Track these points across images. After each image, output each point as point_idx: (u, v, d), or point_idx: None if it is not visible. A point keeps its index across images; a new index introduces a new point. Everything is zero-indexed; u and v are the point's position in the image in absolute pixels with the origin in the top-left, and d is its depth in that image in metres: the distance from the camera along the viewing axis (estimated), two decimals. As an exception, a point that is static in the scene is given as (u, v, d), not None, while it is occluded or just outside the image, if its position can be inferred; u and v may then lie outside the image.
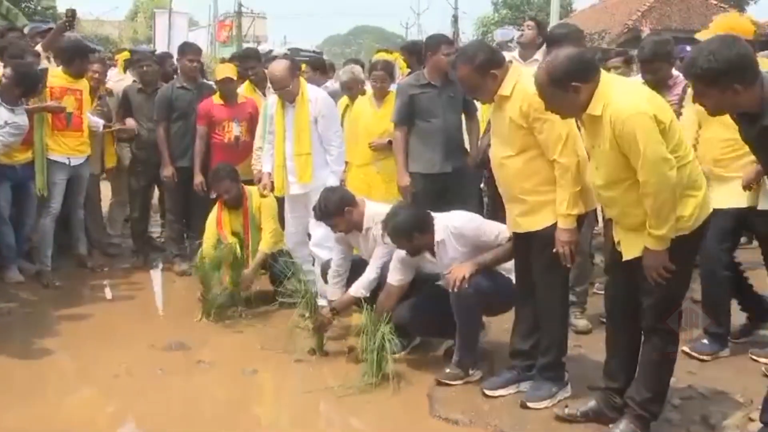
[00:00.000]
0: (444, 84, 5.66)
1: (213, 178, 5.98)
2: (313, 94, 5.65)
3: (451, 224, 4.39)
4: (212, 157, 6.57)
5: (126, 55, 8.29)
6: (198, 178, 6.55)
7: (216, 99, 6.64)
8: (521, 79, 3.80)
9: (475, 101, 5.77)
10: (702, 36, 4.74)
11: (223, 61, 7.76)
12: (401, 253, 4.49)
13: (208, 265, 5.59)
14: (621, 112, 3.24)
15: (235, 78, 6.64)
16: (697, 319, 4.71)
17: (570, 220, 3.74)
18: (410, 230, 4.34)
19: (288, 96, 5.55)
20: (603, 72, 3.43)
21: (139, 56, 7.51)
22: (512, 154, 3.84)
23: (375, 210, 4.82)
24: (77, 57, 6.43)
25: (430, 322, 4.54)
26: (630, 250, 3.46)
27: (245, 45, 29.78)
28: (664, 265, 3.32)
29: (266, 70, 7.04)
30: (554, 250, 3.77)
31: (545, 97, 3.45)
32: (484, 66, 3.80)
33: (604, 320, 4.05)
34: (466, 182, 5.82)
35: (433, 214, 4.47)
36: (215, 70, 6.95)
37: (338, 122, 5.86)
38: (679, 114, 4.61)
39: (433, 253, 4.41)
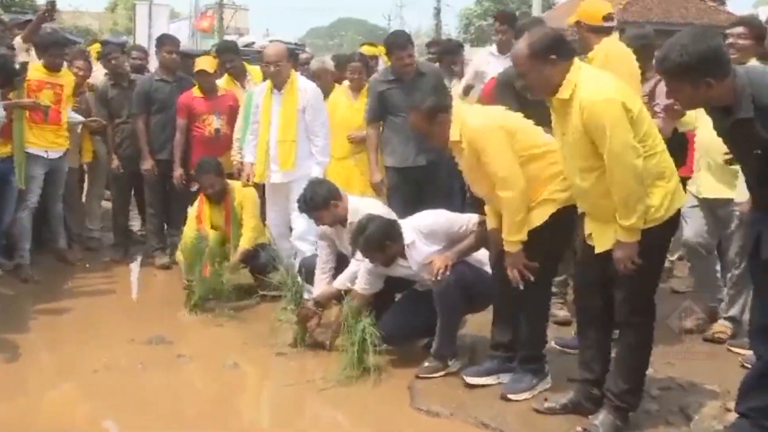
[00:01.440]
0: (414, 78, 5.65)
1: (198, 171, 5.96)
2: (303, 84, 5.67)
3: (419, 225, 4.40)
4: (192, 150, 6.55)
5: (98, 46, 8.22)
6: (178, 171, 6.52)
7: (196, 92, 6.61)
8: (464, 120, 3.88)
9: (450, 90, 5.80)
10: (567, 22, 4.91)
11: (206, 53, 7.71)
12: (370, 265, 4.48)
13: (192, 251, 5.56)
14: (590, 98, 3.27)
15: (210, 71, 6.59)
16: (693, 314, 4.76)
17: (513, 246, 3.80)
18: (382, 241, 4.32)
19: (278, 79, 5.53)
20: (576, 59, 3.45)
21: (108, 49, 7.43)
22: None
23: (357, 204, 4.82)
24: (49, 48, 6.34)
25: (413, 329, 4.57)
26: (601, 243, 3.48)
27: (226, 37, 29.63)
28: (633, 258, 3.34)
29: (245, 63, 7.06)
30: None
31: (521, 70, 3.46)
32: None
33: None
34: (442, 175, 5.79)
35: (398, 219, 4.50)
36: (197, 61, 6.90)
37: (325, 114, 5.84)
38: (650, 110, 4.66)
39: (404, 257, 4.42)
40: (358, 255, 4.54)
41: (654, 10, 23.11)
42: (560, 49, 3.40)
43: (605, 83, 3.34)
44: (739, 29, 4.64)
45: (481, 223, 4.22)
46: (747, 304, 4.62)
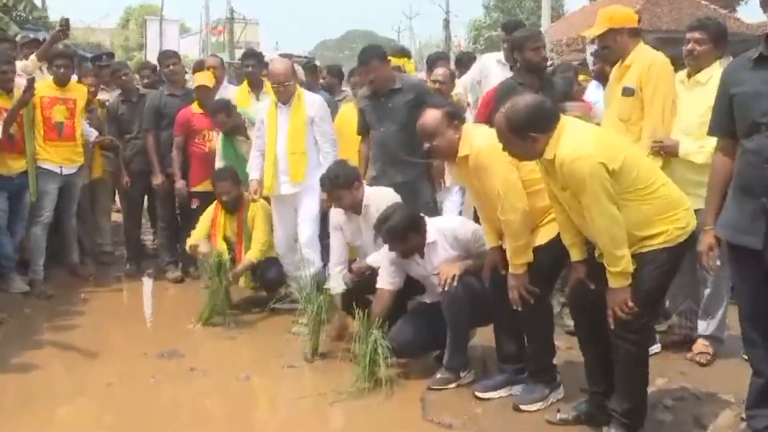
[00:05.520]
0: (387, 95, 5.48)
1: (214, 177, 5.99)
2: (310, 97, 5.67)
3: (444, 227, 4.43)
4: (191, 167, 6.60)
5: None
6: (180, 183, 6.58)
7: (195, 108, 6.61)
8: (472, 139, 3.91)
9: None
10: (590, 33, 4.75)
11: (199, 68, 7.64)
12: (391, 255, 4.50)
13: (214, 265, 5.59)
14: (566, 157, 3.29)
15: (210, 86, 6.64)
16: (696, 319, 4.67)
17: (517, 268, 3.83)
18: (405, 231, 4.34)
19: (285, 95, 5.52)
20: (562, 117, 3.46)
21: (117, 66, 7.48)
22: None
23: (371, 191, 4.91)
24: (55, 59, 6.37)
25: (422, 342, 4.55)
26: None
27: (237, 51, 29.82)
28: (627, 302, 3.34)
29: (262, 75, 7.07)
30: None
31: (503, 142, 3.50)
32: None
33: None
34: (419, 195, 5.50)
35: (425, 217, 4.51)
36: (196, 75, 6.92)
37: (332, 126, 5.84)
38: None
39: (422, 255, 4.43)
40: (380, 240, 4.52)
41: (664, 19, 23.08)
42: (541, 124, 3.39)
43: (583, 140, 3.34)
44: (696, 34, 4.40)
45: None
46: (725, 317, 4.54)
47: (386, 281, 4.55)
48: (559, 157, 3.32)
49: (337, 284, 4.95)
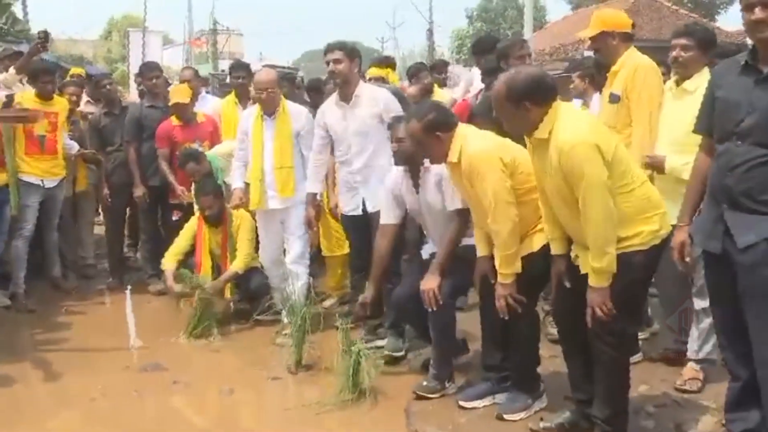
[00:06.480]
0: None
1: (197, 191, 5.96)
2: (295, 109, 5.63)
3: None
4: (175, 178, 6.55)
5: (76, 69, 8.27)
6: (179, 189, 6.49)
7: (175, 120, 6.61)
8: (465, 143, 3.90)
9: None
10: (583, 34, 4.74)
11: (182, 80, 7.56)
12: (388, 188, 4.57)
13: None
14: (566, 142, 3.28)
15: (186, 102, 6.61)
16: (695, 318, 4.61)
17: (505, 278, 3.82)
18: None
19: (270, 105, 5.45)
20: (558, 100, 3.46)
21: (99, 77, 7.46)
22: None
23: (365, 85, 5.24)
24: (39, 76, 6.36)
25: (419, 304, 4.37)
26: (586, 265, 3.46)
27: (221, 62, 29.79)
28: (606, 303, 3.35)
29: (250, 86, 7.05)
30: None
31: (496, 107, 3.53)
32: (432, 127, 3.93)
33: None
34: None
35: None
36: (171, 92, 6.88)
37: None
38: None
39: (416, 182, 4.41)
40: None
41: (645, 28, 23.23)
42: (537, 96, 3.39)
43: (581, 126, 3.36)
44: (682, 40, 4.24)
45: (462, 212, 4.22)
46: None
47: (389, 216, 4.61)
48: (557, 144, 3.30)
49: (313, 187, 5.25)
